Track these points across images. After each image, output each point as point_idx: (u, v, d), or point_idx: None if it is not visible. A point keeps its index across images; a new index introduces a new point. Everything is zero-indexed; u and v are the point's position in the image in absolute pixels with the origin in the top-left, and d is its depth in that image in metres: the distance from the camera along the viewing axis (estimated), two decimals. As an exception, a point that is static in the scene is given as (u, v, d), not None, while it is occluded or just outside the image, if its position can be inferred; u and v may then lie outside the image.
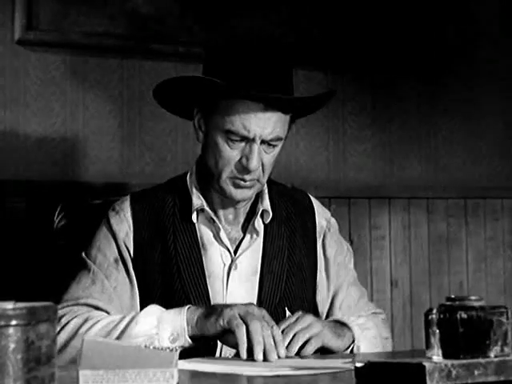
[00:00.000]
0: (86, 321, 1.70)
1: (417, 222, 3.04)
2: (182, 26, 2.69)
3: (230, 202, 1.85)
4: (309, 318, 1.67)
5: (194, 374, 1.39)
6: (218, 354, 1.75)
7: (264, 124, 1.74)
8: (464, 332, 1.16)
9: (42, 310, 0.96)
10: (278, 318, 1.81)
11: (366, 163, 3.00)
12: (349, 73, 2.96)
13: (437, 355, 1.18)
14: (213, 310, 1.61)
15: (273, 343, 1.53)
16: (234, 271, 1.83)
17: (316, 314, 1.95)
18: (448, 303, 1.20)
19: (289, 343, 1.60)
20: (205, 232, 1.85)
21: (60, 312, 1.73)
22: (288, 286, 1.86)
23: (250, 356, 1.52)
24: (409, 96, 3.08)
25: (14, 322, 0.93)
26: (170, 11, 2.68)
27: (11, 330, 0.93)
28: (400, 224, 3.01)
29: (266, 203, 1.88)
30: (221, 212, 1.87)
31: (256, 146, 1.75)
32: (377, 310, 2.00)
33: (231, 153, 1.76)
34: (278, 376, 1.35)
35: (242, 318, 1.55)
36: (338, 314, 1.91)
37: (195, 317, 1.62)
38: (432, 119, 3.11)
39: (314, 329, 1.63)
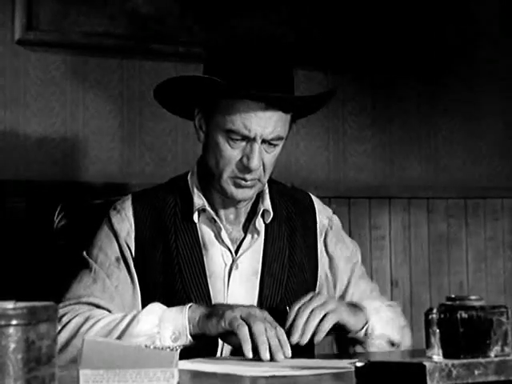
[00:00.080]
0: (87, 319, 1.70)
1: (417, 222, 3.04)
2: (182, 26, 2.69)
3: (231, 202, 1.85)
4: (323, 296, 1.68)
5: (195, 374, 1.39)
6: (218, 354, 1.75)
7: (265, 123, 1.74)
8: (464, 332, 1.16)
9: (42, 310, 0.96)
10: (280, 317, 1.81)
11: (366, 163, 3.00)
12: (349, 73, 2.96)
13: (437, 355, 1.18)
14: (214, 311, 1.61)
15: (278, 343, 1.53)
16: (235, 271, 1.83)
17: None
18: (448, 303, 1.20)
19: (306, 321, 1.60)
20: (206, 232, 1.85)
21: (61, 311, 1.73)
22: (289, 285, 1.85)
23: (255, 356, 1.52)
24: (409, 96, 3.08)
25: (14, 322, 0.93)
26: (170, 11, 2.68)
27: (11, 330, 0.93)
28: (400, 224, 3.01)
29: (267, 203, 1.88)
30: (222, 212, 1.87)
31: (257, 146, 1.75)
32: (391, 302, 1.99)
33: (232, 152, 1.76)
34: (278, 376, 1.35)
35: (244, 320, 1.55)
36: None
37: (197, 316, 1.62)
38: (432, 119, 3.11)
39: (329, 305, 1.63)
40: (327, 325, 1.61)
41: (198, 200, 1.84)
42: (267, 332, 1.53)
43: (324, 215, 1.98)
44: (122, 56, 2.65)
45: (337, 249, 1.96)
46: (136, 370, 1.13)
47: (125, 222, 1.85)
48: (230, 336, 1.58)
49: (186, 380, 1.28)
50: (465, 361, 1.14)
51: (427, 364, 1.11)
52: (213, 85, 1.74)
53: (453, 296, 1.22)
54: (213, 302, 1.78)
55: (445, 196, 3.09)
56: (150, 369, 1.13)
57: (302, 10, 2.86)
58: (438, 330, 1.19)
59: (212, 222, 1.85)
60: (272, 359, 1.51)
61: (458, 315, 1.17)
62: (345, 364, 1.40)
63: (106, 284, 1.79)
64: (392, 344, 1.79)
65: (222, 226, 1.84)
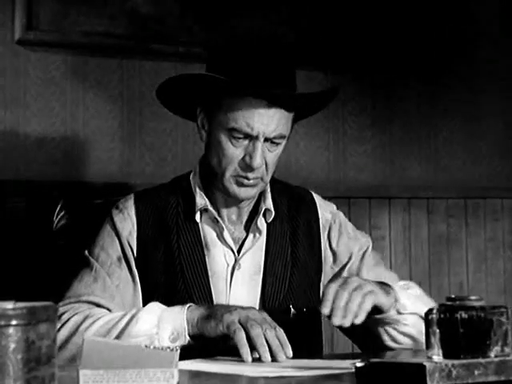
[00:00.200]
0: (86, 318, 1.70)
1: (417, 222, 3.04)
2: (182, 26, 2.69)
3: (234, 202, 1.85)
4: (356, 279, 1.64)
5: (195, 374, 1.39)
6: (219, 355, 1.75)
7: (267, 121, 1.73)
8: (464, 332, 1.16)
9: (42, 310, 0.96)
10: (282, 316, 1.80)
11: (366, 163, 3.00)
12: (349, 73, 2.96)
13: (437, 355, 1.18)
14: (213, 313, 1.60)
15: (278, 344, 1.52)
16: (237, 271, 1.83)
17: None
18: (448, 303, 1.20)
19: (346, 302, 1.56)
20: (208, 232, 1.85)
21: (61, 309, 1.73)
22: (292, 284, 1.85)
23: (255, 358, 1.52)
24: (409, 96, 3.08)
25: (14, 322, 0.93)
26: (170, 11, 2.68)
27: (11, 330, 0.93)
28: (400, 224, 3.01)
29: (269, 202, 1.87)
30: (224, 212, 1.86)
31: (259, 144, 1.74)
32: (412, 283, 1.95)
33: (234, 151, 1.76)
34: (278, 376, 1.35)
35: (241, 324, 1.55)
36: None
37: (195, 317, 1.62)
38: (432, 119, 3.11)
39: (366, 287, 1.60)
40: (368, 305, 1.58)
41: (200, 200, 1.84)
42: (267, 333, 1.52)
43: (327, 210, 1.96)
44: (122, 56, 2.65)
45: (341, 242, 1.93)
46: (136, 370, 1.13)
47: (127, 221, 1.84)
48: (228, 339, 1.57)
49: (185, 380, 1.28)
50: (465, 361, 1.14)
51: (427, 364, 1.11)
52: (215, 82, 1.74)
53: (453, 296, 1.22)
54: (215, 302, 1.78)
55: (445, 196, 3.09)
56: (150, 369, 1.13)
57: (302, 9, 2.86)
58: (437, 330, 1.19)
59: (214, 222, 1.85)
60: (273, 360, 1.51)
61: (458, 315, 1.17)
62: (346, 364, 1.40)
63: (107, 283, 1.79)
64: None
65: (224, 225, 1.84)
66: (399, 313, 1.70)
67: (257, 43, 1.85)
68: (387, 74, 3.03)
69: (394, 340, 1.76)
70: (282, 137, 1.78)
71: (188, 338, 1.61)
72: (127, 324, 1.64)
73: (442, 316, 1.18)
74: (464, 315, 1.17)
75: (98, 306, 1.77)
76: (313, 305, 1.88)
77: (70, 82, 2.58)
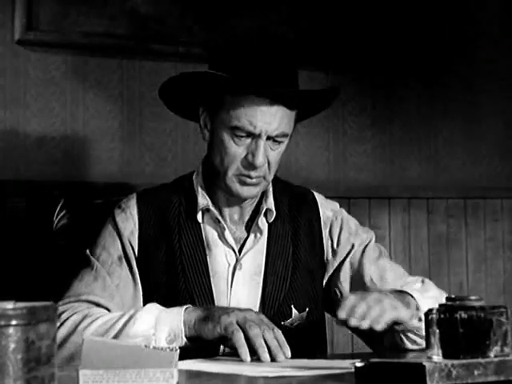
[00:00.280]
0: (84, 317, 1.70)
1: (417, 222, 3.04)
2: (182, 26, 2.69)
3: (236, 201, 1.84)
4: (375, 293, 1.62)
5: (194, 374, 1.39)
6: (220, 353, 1.75)
7: (270, 119, 1.73)
8: (464, 332, 1.16)
9: (42, 310, 0.96)
10: (284, 317, 1.81)
11: (366, 163, 3.00)
12: (349, 73, 2.96)
13: (437, 355, 1.18)
14: (210, 315, 1.60)
15: (277, 344, 1.52)
16: (238, 271, 1.83)
17: (326, 309, 1.95)
18: (448, 303, 1.20)
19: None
20: (210, 232, 1.85)
21: (61, 308, 1.73)
22: (293, 284, 1.84)
23: (255, 357, 1.51)
24: (409, 96, 3.08)
25: (14, 322, 0.93)
26: (170, 11, 2.68)
27: (11, 330, 0.93)
28: (400, 224, 3.01)
29: (270, 202, 1.87)
30: (226, 211, 1.86)
31: (262, 142, 1.74)
32: (419, 278, 1.93)
33: (237, 149, 1.75)
34: (278, 376, 1.35)
35: (239, 325, 1.55)
36: (372, 288, 1.86)
37: (193, 319, 1.61)
38: (432, 120, 3.11)
39: (386, 302, 1.57)
40: (387, 319, 1.55)
41: (202, 200, 1.84)
42: (265, 334, 1.52)
43: (327, 208, 1.96)
44: (122, 56, 2.65)
45: (341, 237, 1.92)
46: (136, 370, 1.13)
47: (129, 220, 1.84)
48: (226, 341, 1.57)
49: (185, 380, 1.28)
50: (464, 361, 1.14)
51: (427, 364, 1.11)
52: (218, 80, 1.74)
53: (452, 296, 1.22)
54: (216, 302, 1.78)
55: (445, 196, 3.09)
56: (150, 369, 1.13)
57: (302, 9, 2.86)
58: (437, 331, 1.19)
59: (216, 222, 1.85)
60: (272, 360, 1.51)
61: (458, 315, 1.17)
62: (345, 364, 1.40)
63: (107, 282, 1.79)
64: None
65: (225, 226, 1.84)
66: (421, 320, 1.66)
67: (259, 42, 1.85)
68: (387, 74, 3.03)
69: (414, 343, 1.76)
70: (284, 135, 1.78)
71: (185, 339, 1.61)
72: (125, 324, 1.64)
73: (442, 316, 1.18)
74: (464, 315, 1.17)
75: (98, 305, 1.76)
76: (315, 305, 1.88)
77: (70, 82, 2.58)
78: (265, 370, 1.41)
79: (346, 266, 1.91)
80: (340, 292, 1.91)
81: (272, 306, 1.81)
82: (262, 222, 1.87)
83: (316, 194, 1.99)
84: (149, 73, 2.67)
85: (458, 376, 1.12)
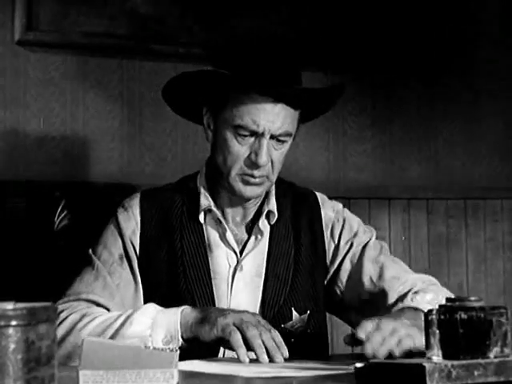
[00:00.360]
0: (83, 317, 1.70)
1: (416, 222, 3.04)
2: (182, 26, 2.69)
3: (239, 202, 1.84)
4: (390, 321, 1.52)
5: (194, 375, 1.39)
6: (220, 355, 1.75)
7: (273, 118, 1.73)
8: (464, 333, 1.16)
9: (41, 311, 0.96)
10: (284, 319, 1.80)
11: (365, 164, 3.00)
12: (349, 73, 2.96)
13: (437, 356, 1.18)
14: (207, 317, 1.59)
15: (275, 345, 1.51)
16: (239, 272, 1.82)
17: (328, 309, 1.93)
18: (448, 304, 1.20)
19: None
20: (211, 233, 1.84)
21: (60, 307, 1.73)
22: (294, 286, 1.83)
23: (253, 359, 1.51)
24: (409, 96, 3.08)
25: (14, 323, 0.93)
26: (170, 11, 2.68)
27: (11, 331, 0.93)
28: (400, 225, 3.01)
29: (272, 204, 1.86)
30: (229, 213, 1.85)
31: (265, 141, 1.74)
32: (424, 276, 1.89)
33: (240, 148, 1.75)
34: (277, 377, 1.35)
35: (236, 326, 1.54)
36: (370, 289, 1.84)
37: (190, 320, 1.61)
38: (432, 120, 3.11)
39: (402, 331, 1.48)
40: (404, 349, 1.46)
41: (205, 200, 1.84)
42: (262, 335, 1.51)
43: (329, 208, 1.94)
44: (122, 56, 2.65)
45: (342, 236, 1.91)
46: (136, 371, 1.13)
47: (131, 220, 1.84)
48: (223, 342, 1.57)
49: (185, 380, 1.28)
50: (464, 362, 1.14)
51: (427, 365, 1.11)
52: (222, 79, 1.73)
53: (452, 297, 1.22)
54: (216, 304, 1.78)
55: (444, 197, 3.09)
56: (150, 369, 1.13)
57: (302, 10, 2.86)
58: (437, 331, 1.19)
59: (217, 223, 1.84)
60: (270, 361, 1.50)
61: (458, 316, 1.17)
62: (344, 365, 1.40)
63: (107, 282, 1.79)
64: None
65: (227, 227, 1.83)
66: None
67: (262, 41, 1.85)
68: (387, 73, 3.03)
69: None
70: (287, 134, 1.77)
71: (181, 340, 1.60)
72: (122, 325, 1.64)
73: (442, 317, 1.19)
74: (464, 316, 1.17)
75: (97, 304, 1.76)
76: (316, 308, 1.87)
77: (70, 82, 2.58)
78: (263, 370, 1.41)
79: (346, 265, 1.90)
80: (340, 291, 1.90)
81: (272, 308, 1.80)
82: (264, 224, 1.86)
83: (318, 194, 1.97)
84: (149, 73, 2.67)
85: (458, 377, 1.12)
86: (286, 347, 1.53)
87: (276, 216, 1.86)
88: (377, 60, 2.99)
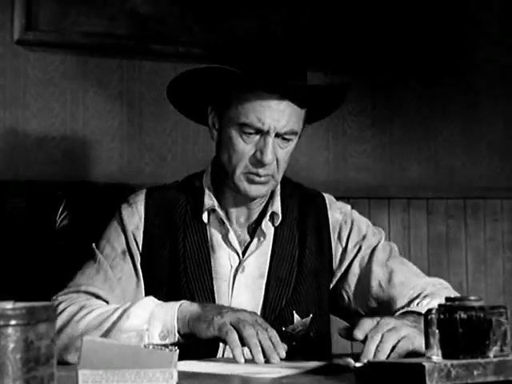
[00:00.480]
0: (81, 309, 1.69)
1: (416, 222, 3.04)
2: (182, 26, 2.69)
3: (244, 202, 1.83)
4: (391, 320, 1.52)
5: (194, 375, 1.39)
6: (220, 355, 1.74)
7: (278, 116, 1.72)
8: (463, 332, 1.16)
9: (41, 310, 0.96)
10: (285, 322, 1.79)
11: (365, 163, 3.00)
12: (349, 73, 2.96)
13: (436, 355, 1.18)
14: (204, 314, 1.58)
15: (271, 345, 1.50)
16: (240, 274, 1.81)
17: (332, 313, 1.93)
18: (447, 303, 1.20)
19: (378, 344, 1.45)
20: (214, 233, 1.84)
21: (60, 298, 1.74)
22: (296, 289, 1.82)
23: (249, 359, 1.50)
24: (409, 96, 3.08)
25: (13, 322, 0.93)
26: (170, 11, 2.68)
27: (10, 330, 0.93)
28: (400, 224, 3.01)
29: (277, 205, 1.85)
30: (233, 213, 1.85)
31: (270, 139, 1.73)
32: (434, 280, 1.88)
33: (245, 147, 1.74)
34: (277, 377, 1.35)
35: (233, 325, 1.52)
36: (378, 293, 1.84)
37: (187, 316, 1.59)
38: (432, 120, 3.11)
39: (401, 331, 1.47)
40: (402, 351, 1.45)
41: (209, 200, 1.83)
42: (259, 335, 1.50)
43: (336, 210, 1.92)
44: (122, 56, 2.65)
45: (350, 239, 1.89)
46: (135, 371, 1.13)
47: (135, 215, 1.84)
48: (220, 341, 1.56)
49: (184, 380, 1.28)
50: (464, 361, 1.14)
51: (426, 364, 1.11)
52: (227, 75, 1.72)
53: (452, 296, 1.22)
54: (216, 303, 1.77)
55: (444, 197, 3.09)
56: (150, 369, 1.13)
57: (302, 10, 2.86)
58: (437, 331, 1.19)
59: (221, 224, 1.83)
60: (266, 361, 1.49)
61: (458, 316, 1.17)
62: (343, 362, 1.39)
63: (109, 275, 1.78)
64: None
65: (230, 227, 1.82)
66: None
67: (268, 39, 1.84)
68: (387, 73, 3.03)
69: None
70: (293, 133, 1.76)
71: (178, 336, 1.59)
72: (119, 318, 1.63)
73: (442, 316, 1.18)
74: (463, 315, 1.17)
75: (97, 297, 1.75)
76: (320, 311, 1.86)
77: (70, 82, 2.58)
78: (261, 370, 1.41)
79: (355, 269, 1.88)
80: (347, 296, 1.88)
81: (273, 310, 1.79)
82: (267, 226, 1.84)
83: (326, 196, 1.96)
84: (149, 73, 2.67)
85: (458, 376, 1.12)
86: (282, 347, 1.52)
87: (280, 218, 1.84)
88: (377, 60, 2.99)
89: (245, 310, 1.61)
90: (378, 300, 1.84)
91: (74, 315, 1.68)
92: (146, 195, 1.87)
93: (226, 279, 1.81)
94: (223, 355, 1.74)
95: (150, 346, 1.15)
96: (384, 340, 1.43)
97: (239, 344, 1.50)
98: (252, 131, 1.73)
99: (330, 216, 1.91)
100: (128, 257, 1.81)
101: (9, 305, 0.94)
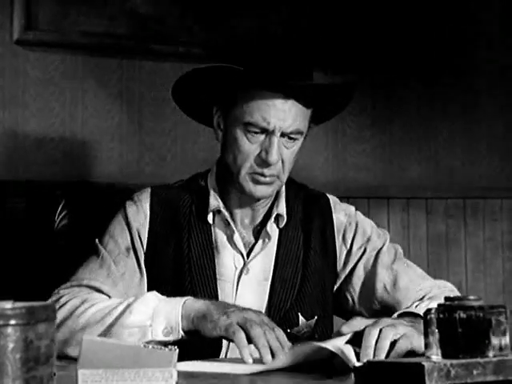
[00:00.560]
0: (83, 302, 1.68)
1: (416, 222, 3.04)
2: (182, 26, 2.70)
3: (249, 203, 1.82)
4: (389, 319, 1.52)
5: (194, 375, 1.39)
6: (223, 355, 1.74)
7: (284, 115, 1.71)
8: (463, 332, 1.16)
9: (41, 310, 0.96)
10: (290, 324, 1.78)
11: (365, 163, 3.00)
12: (349, 73, 2.96)
13: (436, 355, 1.18)
14: (209, 313, 1.56)
15: (279, 345, 1.48)
16: (245, 275, 1.80)
17: (336, 314, 1.92)
18: (447, 303, 1.20)
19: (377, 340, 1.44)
20: (219, 234, 1.83)
21: (61, 292, 1.73)
22: (301, 291, 1.81)
23: (256, 359, 1.49)
24: (409, 96, 3.08)
25: (12, 322, 0.93)
26: (170, 11, 2.68)
27: (10, 330, 0.93)
28: (399, 224, 3.01)
29: (282, 207, 1.84)
30: (238, 214, 1.83)
31: (276, 139, 1.72)
32: (440, 282, 1.87)
33: (250, 146, 1.73)
34: (277, 376, 1.35)
35: (240, 325, 1.51)
36: (383, 297, 1.83)
37: (191, 314, 1.57)
38: (432, 120, 3.12)
39: (399, 329, 1.46)
40: (401, 350, 1.43)
41: (214, 201, 1.82)
42: (266, 335, 1.48)
43: (341, 212, 1.91)
44: (122, 56, 2.65)
45: (355, 241, 1.89)
46: (135, 370, 1.13)
47: (140, 213, 1.83)
48: (226, 339, 1.56)
49: (184, 380, 1.28)
50: (463, 361, 1.14)
51: (426, 364, 1.11)
52: (232, 74, 1.71)
53: (451, 296, 1.22)
54: (221, 301, 1.74)
55: (444, 196, 3.09)
56: (149, 368, 1.13)
57: (302, 9, 2.86)
58: (436, 330, 1.19)
59: (226, 225, 1.82)
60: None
61: (457, 315, 1.17)
62: (342, 344, 1.39)
63: (112, 270, 1.77)
64: None
65: (235, 229, 1.81)
66: None
67: (269, 39, 1.83)
68: (387, 73, 3.03)
69: None
70: (298, 132, 1.75)
71: (182, 332, 1.57)
72: (121, 313, 1.61)
73: (441, 316, 1.18)
74: (462, 315, 1.17)
75: (99, 291, 1.74)
76: (324, 313, 1.85)
77: (70, 82, 2.58)
78: (260, 368, 1.41)
79: (359, 271, 1.87)
80: (351, 298, 1.87)
81: (278, 312, 1.78)
82: (272, 228, 1.83)
83: (331, 197, 1.95)
84: (148, 73, 2.67)
85: (457, 376, 1.12)
86: (289, 346, 1.50)
87: (285, 219, 1.83)
88: (377, 60, 2.99)
89: (250, 309, 1.59)
90: (383, 303, 1.84)
91: (75, 309, 1.67)
92: (152, 194, 1.86)
93: (230, 281, 1.80)
94: (226, 355, 1.74)
95: (150, 346, 1.15)
96: (382, 337, 1.43)
97: (247, 344, 1.48)
98: (257, 130, 1.72)
99: (334, 218, 1.90)
100: (132, 253, 1.80)
101: (8, 304, 0.94)
